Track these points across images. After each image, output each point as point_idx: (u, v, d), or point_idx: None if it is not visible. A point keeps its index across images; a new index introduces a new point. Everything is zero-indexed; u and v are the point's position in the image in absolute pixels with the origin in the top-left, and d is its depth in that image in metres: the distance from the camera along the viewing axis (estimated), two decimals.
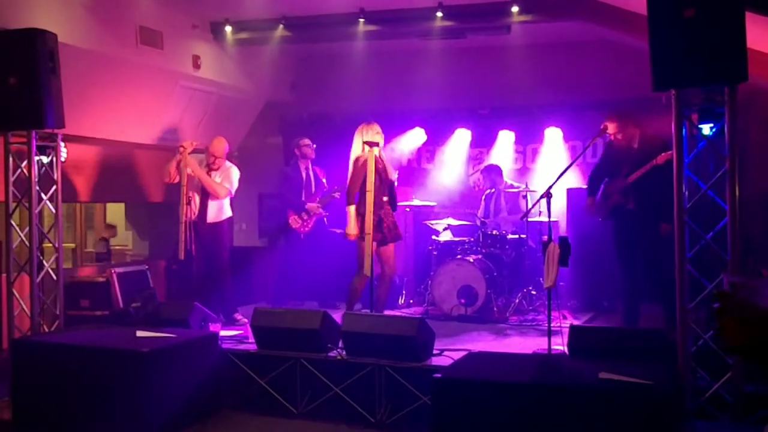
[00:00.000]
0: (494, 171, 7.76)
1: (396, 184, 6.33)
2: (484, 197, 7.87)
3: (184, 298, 6.84)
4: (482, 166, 8.22)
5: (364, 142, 5.93)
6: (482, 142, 8.54)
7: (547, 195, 5.32)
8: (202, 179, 6.65)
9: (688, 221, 4.14)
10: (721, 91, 4.11)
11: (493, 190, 7.82)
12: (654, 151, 5.83)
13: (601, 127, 5.74)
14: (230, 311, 6.80)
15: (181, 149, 6.63)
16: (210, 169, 6.76)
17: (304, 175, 7.63)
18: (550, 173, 7.83)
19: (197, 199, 6.69)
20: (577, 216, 7.32)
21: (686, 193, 4.16)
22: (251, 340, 5.55)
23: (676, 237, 4.12)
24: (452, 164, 8.51)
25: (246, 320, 6.81)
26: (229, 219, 7.04)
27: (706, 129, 4.18)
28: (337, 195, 7.50)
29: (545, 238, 5.28)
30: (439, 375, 4.08)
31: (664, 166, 5.59)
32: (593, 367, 4.09)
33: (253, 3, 6.99)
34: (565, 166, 5.70)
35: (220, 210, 6.82)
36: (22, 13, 5.65)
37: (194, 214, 6.68)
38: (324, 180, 7.74)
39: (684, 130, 4.15)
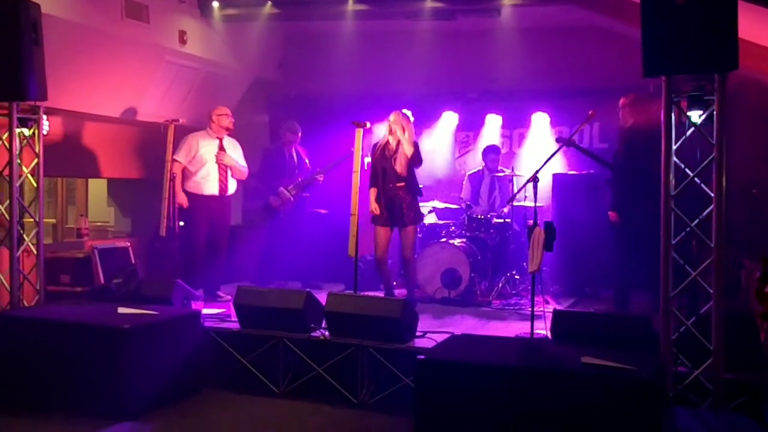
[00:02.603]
0: (492, 150, 7.71)
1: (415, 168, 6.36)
2: (468, 178, 7.84)
3: (166, 275, 6.84)
4: (471, 150, 8.20)
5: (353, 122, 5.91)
6: (469, 126, 8.52)
7: (534, 179, 5.32)
8: (239, 169, 7.01)
9: (674, 208, 4.14)
10: (711, 79, 4.10)
11: (476, 170, 7.79)
12: (623, 149, 6.05)
13: (589, 113, 5.74)
14: (214, 288, 6.80)
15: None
16: (219, 140, 6.94)
17: (287, 155, 7.56)
18: (537, 158, 7.86)
19: (205, 172, 6.82)
20: (563, 201, 7.34)
21: (673, 180, 4.15)
22: (234, 318, 5.52)
23: (662, 223, 4.13)
24: (439, 147, 8.48)
25: (229, 297, 6.83)
26: None
27: (695, 116, 4.18)
28: (320, 177, 7.46)
29: (530, 222, 5.28)
30: (422, 357, 4.08)
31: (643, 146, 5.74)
32: (576, 351, 4.09)
33: None
34: (552, 152, 5.68)
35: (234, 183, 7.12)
36: None
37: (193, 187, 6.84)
38: (307, 161, 7.68)
39: (672, 116, 4.14)
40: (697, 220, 4.17)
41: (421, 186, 6.44)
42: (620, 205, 6.06)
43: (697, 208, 4.26)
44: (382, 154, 6.29)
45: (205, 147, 6.88)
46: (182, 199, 6.84)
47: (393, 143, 6.24)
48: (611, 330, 4.61)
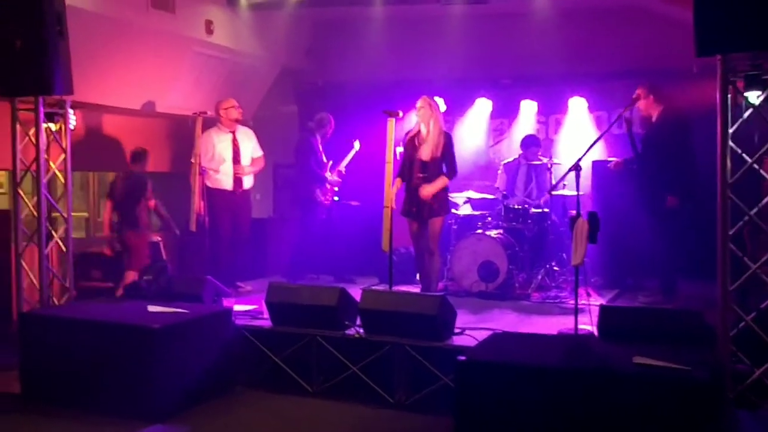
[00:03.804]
0: (534, 142, 7.46)
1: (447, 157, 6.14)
2: (503, 168, 7.59)
3: (196, 270, 6.78)
4: (506, 137, 7.95)
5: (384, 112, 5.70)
6: (504, 113, 8.26)
7: (576, 168, 5.07)
8: (257, 169, 7.13)
9: (732, 196, 3.87)
10: None
11: (510, 159, 7.55)
12: (669, 130, 5.81)
13: (633, 96, 5.47)
14: (234, 278, 6.83)
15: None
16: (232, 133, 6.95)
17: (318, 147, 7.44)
18: (574, 145, 7.60)
19: (225, 168, 6.85)
20: (603, 190, 7.06)
21: (729, 166, 3.89)
22: (266, 315, 5.38)
23: (718, 214, 3.87)
24: (472, 135, 8.23)
25: (250, 288, 6.75)
26: None
27: (753, 97, 3.90)
28: (342, 170, 7.40)
29: (573, 212, 5.04)
30: (463, 357, 3.88)
31: (668, 137, 5.72)
32: (625, 350, 3.88)
33: None
34: (594, 138, 5.43)
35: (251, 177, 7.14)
36: None
37: (214, 182, 6.88)
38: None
39: (728, 97, 3.87)
40: (756, 209, 3.90)
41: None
42: (682, 191, 5.82)
43: (751, 195, 4.00)
44: (412, 143, 6.10)
45: (221, 143, 6.93)
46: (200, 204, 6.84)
47: (424, 131, 6.04)
48: (661, 326, 4.36)
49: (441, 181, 6.07)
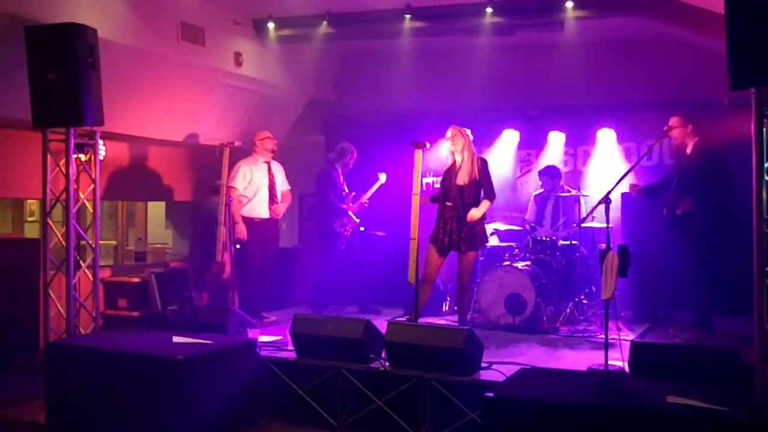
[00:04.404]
0: (555, 174, 7.40)
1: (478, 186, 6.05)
2: (533, 199, 7.54)
3: (222, 300, 6.78)
4: (533, 169, 7.90)
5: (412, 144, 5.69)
6: (531, 144, 8.20)
7: (606, 200, 5.00)
8: (288, 204, 7.32)
9: None
10: None
11: (541, 190, 7.49)
12: (705, 162, 5.75)
13: (665, 128, 5.40)
14: (259, 309, 6.86)
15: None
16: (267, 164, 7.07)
17: (340, 178, 7.43)
18: (603, 176, 7.52)
19: (260, 196, 6.96)
20: (632, 222, 6.96)
21: (766, 200, 3.80)
22: (290, 347, 5.34)
23: (755, 248, 3.77)
24: (499, 166, 8.18)
25: (274, 318, 6.74)
26: None
27: None
28: (365, 202, 7.35)
29: (602, 246, 4.96)
30: (491, 393, 3.80)
31: (703, 169, 5.66)
32: (658, 388, 3.78)
33: None
34: (625, 170, 5.37)
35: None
36: (62, 8, 5.53)
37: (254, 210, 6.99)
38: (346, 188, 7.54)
39: (764, 131, 3.80)
40: None
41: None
42: (717, 223, 5.73)
43: None
44: (448, 175, 6.07)
45: (258, 173, 7.01)
46: (242, 232, 6.86)
47: (459, 159, 6.01)
48: (696, 363, 4.24)
49: (485, 205, 6.01)
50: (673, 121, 5.92)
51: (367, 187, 7.50)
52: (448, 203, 5.99)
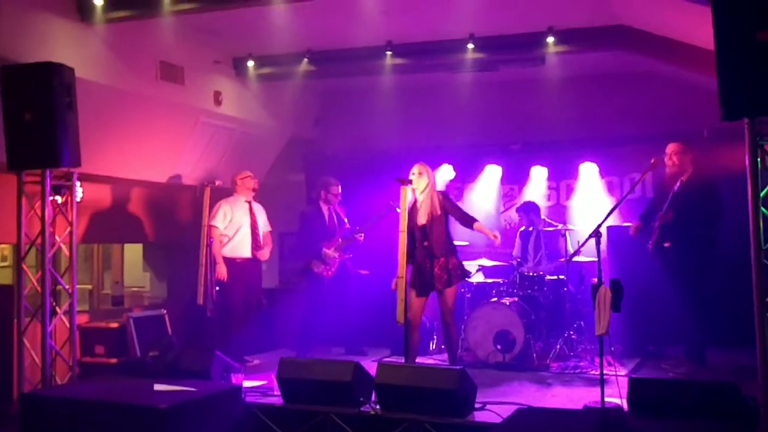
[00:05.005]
0: (532, 209, 7.38)
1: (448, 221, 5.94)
2: (519, 235, 7.49)
3: (204, 343, 6.59)
4: (516, 204, 7.86)
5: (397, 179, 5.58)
6: (514, 179, 8.19)
7: (596, 234, 4.94)
8: (271, 247, 7.19)
9: (767, 262, 3.73)
10: None
11: (528, 227, 7.44)
12: (693, 192, 5.75)
13: (651, 161, 5.38)
14: (241, 353, 6.66)
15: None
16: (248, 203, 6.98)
17: (326, 215, 7.19)
18: (587, 210, 7.49)
19: (241, 236, 6.84)
20: (620, 255, 6.90)
21: (762, 230, 3.76)
22: (276, 392, 5.16)
23: (754, 279, 3.72)
24: (483, 201, 8.14)
25: (257, 361, 6.53)
26: None
27: None
28: (360, 237, 7.10)
29: (595, 280, 4.88)
30: None
31: (697, 199, 5.68)
32: (659, 426, 3.67)
33: (277, 37, 6.66)
34: (611, 204, 5.32)
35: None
36: (38, 47, 5.42)
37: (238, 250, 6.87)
38: (346, 219, 7.33)
39: (758, 161, 3.78)
40: None
41: (464, 243, 6.05)
42: (709, 255, 5.71)
43: None
44: (410, 214, 5.76)
45: (238, 211, 6.90)
46: (222, 273, 6.71)
47: (420, 198, 5.89)
48: (695, 399, 4.13)
49: (484, 226, 5.95)
50: (673, 147, 5.88)
51: (354, 223, 7.31)
52: (424, 243, 5.85)
